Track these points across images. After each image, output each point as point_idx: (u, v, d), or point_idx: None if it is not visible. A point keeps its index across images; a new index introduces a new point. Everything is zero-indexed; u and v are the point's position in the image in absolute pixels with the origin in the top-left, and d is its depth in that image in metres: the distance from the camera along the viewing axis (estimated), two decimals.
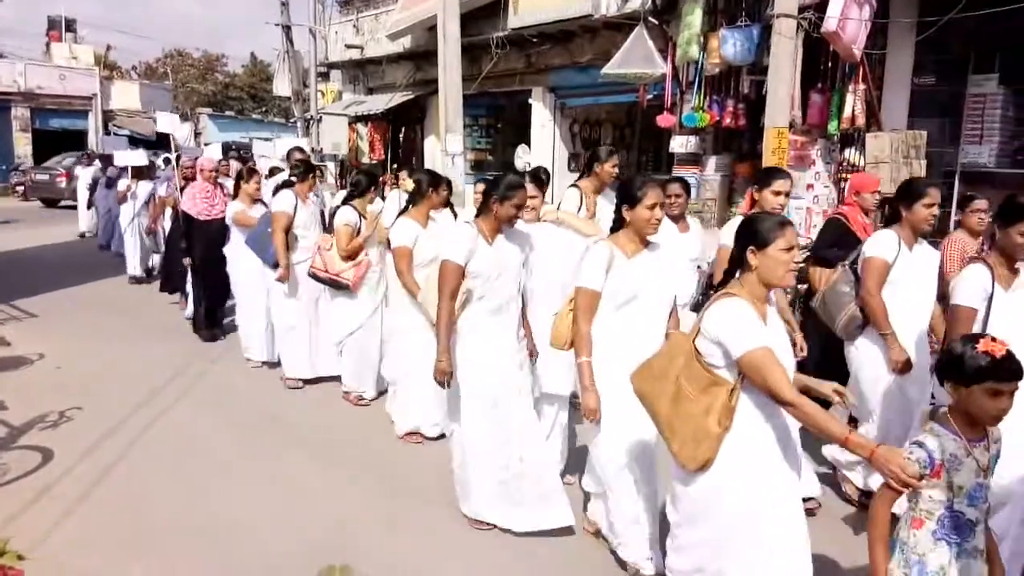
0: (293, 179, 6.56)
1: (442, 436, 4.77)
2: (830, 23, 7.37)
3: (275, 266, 6.12)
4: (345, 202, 5.78)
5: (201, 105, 42.23)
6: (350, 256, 5.56)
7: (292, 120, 20.17)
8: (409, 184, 7.09)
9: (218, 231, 7.22)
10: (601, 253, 3.36)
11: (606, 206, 4.81)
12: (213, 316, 7.79)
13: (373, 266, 5.79)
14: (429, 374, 3.89)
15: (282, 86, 18.70)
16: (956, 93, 8.29)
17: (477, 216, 3.96)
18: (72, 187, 16.47)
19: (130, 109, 30.25)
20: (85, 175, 14.57)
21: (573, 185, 5.42)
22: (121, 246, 11.28)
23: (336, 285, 5.59)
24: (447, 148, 10.12)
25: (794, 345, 3.19)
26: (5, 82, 26.69)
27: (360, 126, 16.53)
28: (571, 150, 13.48)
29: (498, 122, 15.53)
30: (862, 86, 8.14)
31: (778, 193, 4.42)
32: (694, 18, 8.89)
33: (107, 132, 28.46)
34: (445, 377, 3.79)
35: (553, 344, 3.60)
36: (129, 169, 10.90)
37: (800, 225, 8.46)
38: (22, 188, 25.53)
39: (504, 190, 3.77)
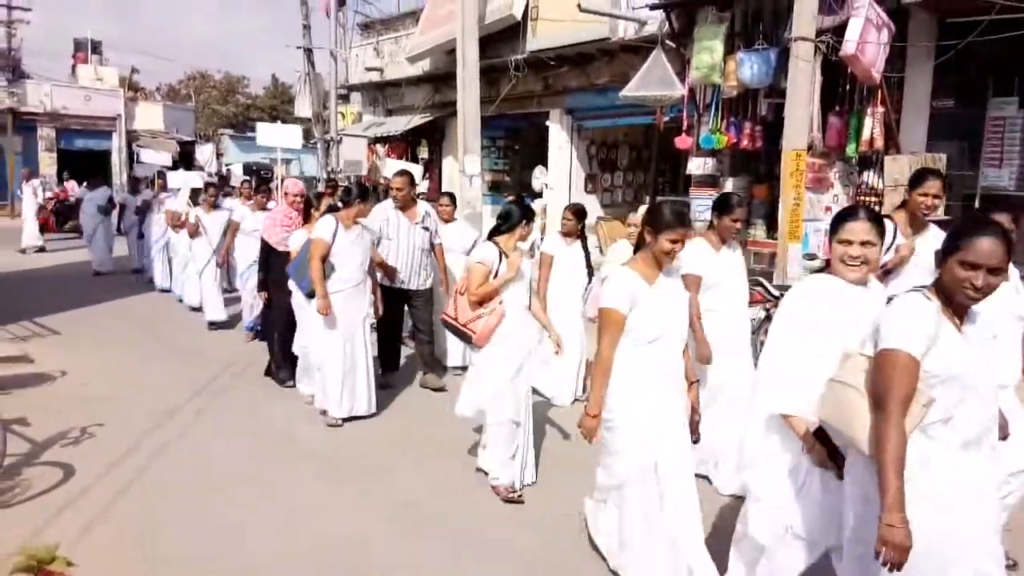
0: (340, 204, 6.08)
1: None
2: (848, 46, 7.39)
3: (310, 295, 5.76)
4: (490, 236, 4.74)
5: (223, 126, 42.85)
6: (480, 302, 4.54)
7: (312, 141, 20.38)
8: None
9: None
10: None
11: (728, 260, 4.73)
12: (293, 359, 6.69)
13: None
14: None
15: (303, 107, 18.96)
16: (975, 116, 8.26)
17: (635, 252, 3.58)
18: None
19: (154, 130, 30.71)
20: (93, 199, 13.85)
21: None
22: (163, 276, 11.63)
23: (463, 337, 4.68)
24: (465, 169, 10.21)
25: None
26: (32, 103, 27.21)
27: (379, 147, 16.69)
28: (588, 171, 13.54)
29: (516, 144, 15.64)
30: (880, 109, 8.13)
31: (925, 195, 4.30)
32: (716, 43, 8.91)
33: (130, 152, 28.93)
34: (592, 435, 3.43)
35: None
36: (186, 192, 10.63)
37: (819, 248, 8.43)
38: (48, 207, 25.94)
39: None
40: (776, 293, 7.15)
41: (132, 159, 28.78)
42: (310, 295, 5.76)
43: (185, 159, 28.45)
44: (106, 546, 3.80)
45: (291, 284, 6.12)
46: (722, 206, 4.66)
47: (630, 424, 3.32)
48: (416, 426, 5.83)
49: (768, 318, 7.02)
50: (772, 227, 9.10)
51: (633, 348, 3.31)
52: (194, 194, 10.48)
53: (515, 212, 4.69)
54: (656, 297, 3.32)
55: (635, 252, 3.55)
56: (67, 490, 4.45)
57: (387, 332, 6.86)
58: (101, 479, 4.60)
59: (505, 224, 4.67)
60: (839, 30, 7.63)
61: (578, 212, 6.62)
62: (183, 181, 11.03)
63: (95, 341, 8.33)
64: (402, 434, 5.66)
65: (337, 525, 4.13)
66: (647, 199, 12.51)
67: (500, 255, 4.55)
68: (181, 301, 10.49)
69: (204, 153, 31.24)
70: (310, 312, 5.90)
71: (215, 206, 9.53)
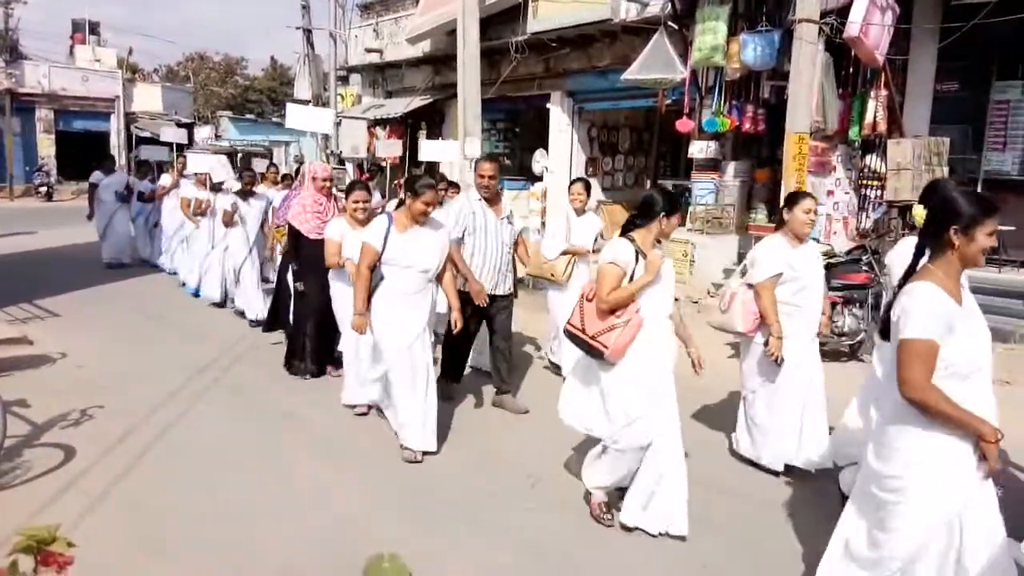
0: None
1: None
2: (852, 28, 7.34)
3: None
4: (624, 231, 3.95)
5: (221, 108, 42.63)
6: (613, 310, 3.77)
7: None
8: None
9: None
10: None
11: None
12: (319, 351, 6.42)
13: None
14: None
15: (302, 89, 18.88)
16: (979, 100, 8.23)
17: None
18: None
19: (152, 111, 30.58)
20: (110, 184, 12.07)
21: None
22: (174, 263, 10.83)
23: (591, 352, 3.83)
24: (465, 152, 10.15)
25: None
26: (29, 84, 27.08)
27: (379, 129, 16.62)
28: (588, 154, 13.49)
29: (516, 126, 15.57)
30: (884, 92, 8.09)
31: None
32: (719, 24, 8.85)
33: (129, 134, 28.81)
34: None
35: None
36: (209, 178, 9.33)
37: (820, 232, 8.41)
38: (45, 189, 25.89)
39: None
40: None
41: (131, 141, 28.66)
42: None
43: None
44: (107, 527, 3.80)
45: (332, 277, 5.79)
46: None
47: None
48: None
49: None
50: (774, 211, 9.07)
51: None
52: (213, 184, 9.25)
53: (657, 202, 3.86)
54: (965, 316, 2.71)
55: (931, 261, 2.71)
56: (67, 471, 4.45)
57: (460, 342, 5.78)
58: (101, 460, 4.59)
59: (643, 217, 3.88)
60: (843, 11, 7.57)
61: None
62: (208, 166, 9.46)
63: (95, 323, 8.32)
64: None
65: (340, 508, 4.13)
66: (648, 183, 12.46)
67: (637, 254, 3.80)
68: (197, 295, 9.62)
69: (202, 134, 31.10)
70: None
71: (251, 193, 8.55)
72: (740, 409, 4.81)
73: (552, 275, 6.26)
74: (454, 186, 7.93)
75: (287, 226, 6.46)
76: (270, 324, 7.51)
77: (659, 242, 3.92)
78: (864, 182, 8.72)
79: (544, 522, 4.03)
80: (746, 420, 4.74)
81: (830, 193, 8.73)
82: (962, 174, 8.33)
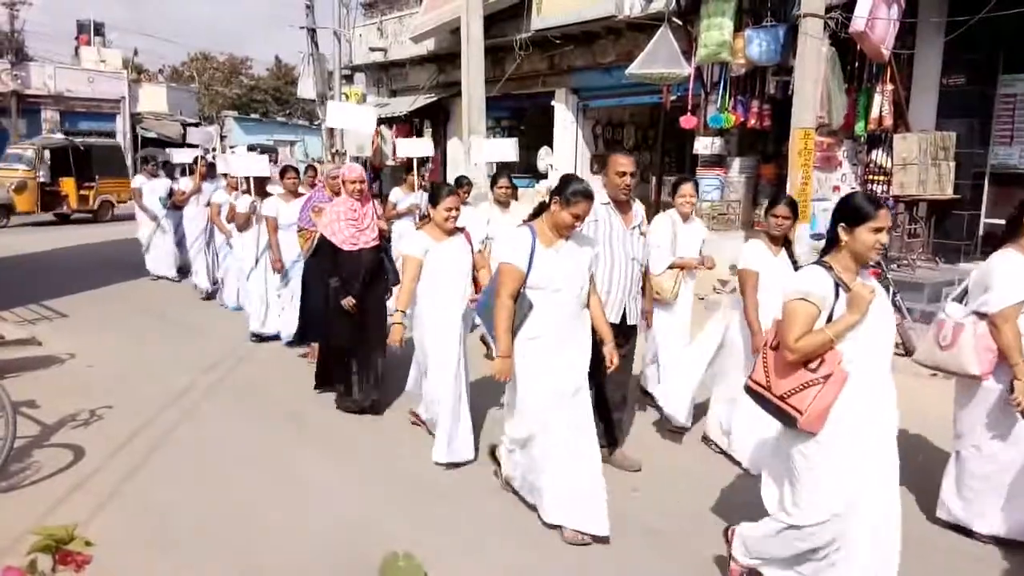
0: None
1: None
2: (858, 23, 7.32)
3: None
4: (823, 254, 3.07)
5: (226, 108, 42.70)
6: (807, 361, 2.88)
7: (316, 123, 20.30)
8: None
9: (373, 263, 5.57)
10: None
11: None
12: (372, 380, 5.61)
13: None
14: None
15: (307, 89, 18.90)
16: (986, 93, 8.20)
17: None
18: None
19: (157, 112, 30.67)
20: (155, 189, 11.03)
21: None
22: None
23: (781, 416, 2.95)
24: (470, 152, 10.14)
25: None
26: (35, 85, 27.17)
27: (384, 128, 16.62)
28: (593, 151, 13.48)
29: (521, 124, 15.56)
30: (890, 86, 8.07)
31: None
32: (724, 20, 8.83)
33: (135, 134, 28.89)
34: None
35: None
36: (251, 182, 8.30)
37: (826, 227, 8.39)
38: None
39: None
40: None
41: (137, 141, 28.75)
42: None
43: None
44: (117, 527, 3.82)
45: (423, 303, 4.74)
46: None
47: None
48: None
49: None
50: None
51: None
52: (259, 185, 8.33)
53: (862, 206, 2.91)
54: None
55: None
56: (77, 471, 4.47)
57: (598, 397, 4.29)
58: (110, 460, 4.62)
59: (850, 225, 2.93)
60: (848, 6, 7.55)
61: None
62: (246, 168, 8.49)
63: (103, 323, 8.35)
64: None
65: (349, 507, 4.14)
66: (653, 179, 12.46)
67: (837, 285, 2.90)
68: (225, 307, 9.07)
69: (195, 137, 31.17)
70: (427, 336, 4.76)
71: (297, 193, 7.42)
72: (950, 467, 3.95)
73: (658, 293, 5.23)
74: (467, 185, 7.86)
75: (319, 237, 5.79)
76: (301, 338, 6.94)
77: (869, 266, 3.08)
78: (870, 177, 8.69)
79: None
80: (960, 480, 3.86)
81: (836, 188, 8.71)
82: (969, 168, 8.29)
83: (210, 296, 9.74)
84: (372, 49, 16.97)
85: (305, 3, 18.70)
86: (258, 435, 5.19)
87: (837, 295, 2.88)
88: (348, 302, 5.38)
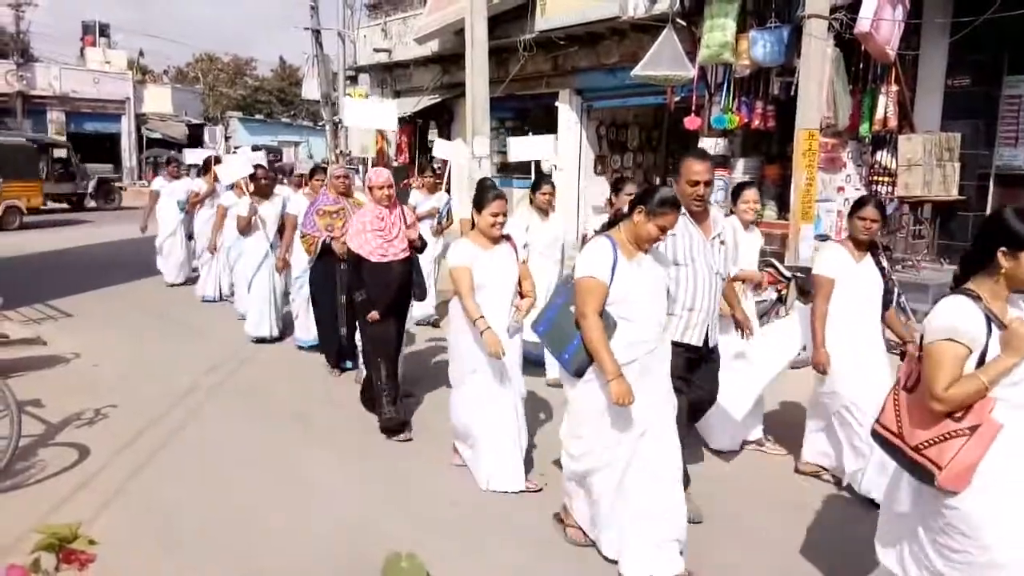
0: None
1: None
2: (863, 24, 7.31)
3: (579, 374, 3.41)
4: (963, 273, 2.65)
5: (231, 109, 42.82)
6: (953, 410, 2.47)
7: (320, 123, 20.33)
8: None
9: (404, 275, 5.23)
10: None
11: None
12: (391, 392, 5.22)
13: None
14: None
15: (311, 90, 18.94)
16: (991, 94, 8.17)
17: None
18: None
19: (162, 113, 30.76)
20: (173, 192, 10.62)
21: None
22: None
23: (917, 472, 2.54)
24: (474, 151, 10.15)
25: None
26: (41, 86, 27.30)
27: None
28: (597, 152, 13.47)
29: (525, 125, 15.55)
30: (895, 87, 8.05)
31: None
32: (728, 21, 8.82)
33: (140, 135, 28.98)
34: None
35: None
36: (246, 184, 7.89)
37: (831, 228, 8.38)
38: None
39: None
40: (787, 274, 7.11)
41: (142, 142, 28.84)
42: (579, 374, 3.40)
43: (193, 142, 28.51)
44: (121, 526, 3.83)
45: (459, 320, 4.35)
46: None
47: None
48: (430, 409, 5.84)
49: (780, 300, 6.98)
50: (784, 208, 9.05)
51: None
52: (261, 186, 7.88)
53: (1014, 225, 2.44)
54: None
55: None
56: (82, 470, 4.48)
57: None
58: (115, 459, 4.63)
59: (983, 251, 2.53)
60: (853, 7, 7.54)
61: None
62: (232, 174, 8.26)
63: (108, 323, 8.37)
64: (417, 417, 5.66)
65: (351, 508, 4.15)
66: (657, 180, 12.45)
67: (988, 318, 2.46)
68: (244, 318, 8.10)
69: (213, 136, 31.28)
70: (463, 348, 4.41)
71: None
72: None
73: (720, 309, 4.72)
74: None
75: (347, 248, 5.38)
76: (339, 356, 6.60)
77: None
78: (875, 178, 8.67)
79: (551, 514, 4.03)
80: None
81: (840, 189, 8.69)
82: (974, 169, 8.27)
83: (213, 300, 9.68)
84: (376, 50, 16.99)
85: (309, 4, 18.73)
86: (261, 435, 5.20)
87: (989, 331, 2.45)
88: (373, 316, 5.05)
